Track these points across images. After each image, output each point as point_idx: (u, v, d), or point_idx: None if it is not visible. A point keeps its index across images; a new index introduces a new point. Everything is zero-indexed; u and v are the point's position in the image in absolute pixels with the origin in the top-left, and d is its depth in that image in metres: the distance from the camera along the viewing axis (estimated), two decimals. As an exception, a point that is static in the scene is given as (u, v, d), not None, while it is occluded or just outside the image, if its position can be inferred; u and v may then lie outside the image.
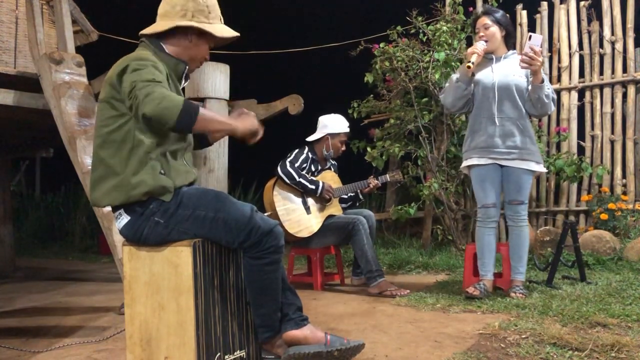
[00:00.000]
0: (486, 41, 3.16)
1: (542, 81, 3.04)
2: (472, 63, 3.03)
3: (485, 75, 3.18)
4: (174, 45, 2.05)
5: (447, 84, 3.31)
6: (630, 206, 4.70)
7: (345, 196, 4.05)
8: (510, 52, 3.24)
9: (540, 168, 3.19)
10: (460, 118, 4.96)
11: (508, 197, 3.19)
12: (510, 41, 3.26)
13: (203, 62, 2.14)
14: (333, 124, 3.92)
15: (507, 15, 3.27)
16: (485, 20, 3.20)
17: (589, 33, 5.16)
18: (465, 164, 3.28)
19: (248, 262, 1.95)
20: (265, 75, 9.93)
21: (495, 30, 3.17)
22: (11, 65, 4.02)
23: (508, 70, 3.13)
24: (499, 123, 3.12)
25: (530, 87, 3.10)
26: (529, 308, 2.77)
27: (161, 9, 2.06)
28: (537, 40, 2.96)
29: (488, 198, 3.18)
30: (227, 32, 2.10)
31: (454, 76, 3.23)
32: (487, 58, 3.23)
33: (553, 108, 3.18)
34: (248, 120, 1.96)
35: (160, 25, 2.04)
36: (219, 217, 1.90)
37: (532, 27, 5.42)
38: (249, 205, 1.96)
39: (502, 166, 3.17)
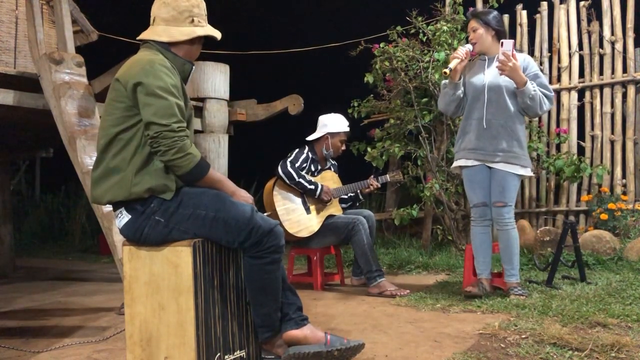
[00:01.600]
0: (474, 44, 3.17)
1: (525, 84, 3.02)
2: (450, 69, 3.05)
3: (477, 77, 3.19)
4: (177, 48, 2.06)
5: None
6: (630, 206, 4.70)
7: (345, 196, 4.05)
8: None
9: (527, 172, 3.18)
10: (460, 118, 4.95)
11: (492, 199, 3.17)
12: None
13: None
14: (333, 123, 3.92)
15: (499, 15, 3.24)
16: (473, 23, 3.20)
17: (589, 33, 5.16)
18: (454, 164, 3.32)
19: (248, 261, 1.95)
20: (265, 75, 9.94)
21: (482, 32, 3.16)
22: (11, 65, 4.02)
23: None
24: (487, 125, 3.12)
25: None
26: (529, 308, 2.77)
27: (165, 13, 2.03)
28: (508, 45, 2.99)
29: (478, 197, 3.20)
30: (218, 33, 2.14)
31: (444, 81, 3.25)
32: (481, 59, 3.24)
33: (546, 107, 3.14)
34: (244, 199, 2.02)
35: (176, 32, 2.02)
36: (219, 216, 1.90)
37: (532, 27, 5.42)
38: (249, 206, 1.96)
39: (490, 167, 3.17)
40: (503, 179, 3.12)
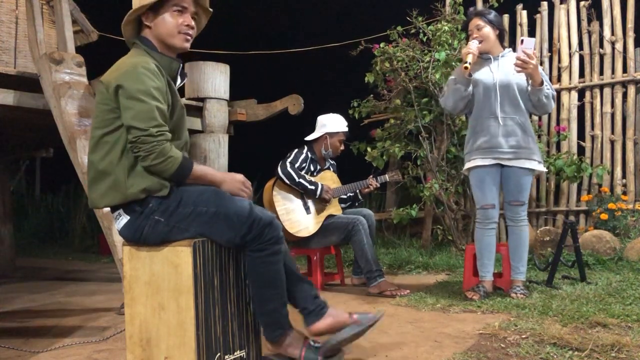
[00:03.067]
0: (480, 41, 3.16)
1: (542, 83, 3.04)
2: (469, 63, 3.02)
3: (485, 76, 3.18)
4: (153, 40, 2.02)
5: (445, 87, 3.31)
6: (630, 206, 4.70)
7: (345, 196, 4.05)
8: (507, 50, 3.24)
9: (542, 167, 3.20)
10: (461, 118, 4.96)
11: (508, 198, 3.18)
12: (503, 40, 3.27)
13: (188, 32, 2.02)
14: (331, 123, 3.92)
15: (498, 14, 3.26)
16: (478, 21, 3.20)
17: (589, 33, 5.16)
18: (468, 165, 3.25)
19: (250, 255, 1.94)
20: (265, 75, 9.94)
21: (488, 30, 3.17)
22: (11, 65, 4.03)
23: (508, 69, 3.11)
24: (502, 123, 3.11)
25: (529, 89, 3.11)
26: (529, 308, 2.77)
27: (133, 3, 2.03)
28: (530, 43, 2.97)
29: (487, 199, 3.18)
30: None
31: (451, 78, 3.23)
32: (484, 58, 3.22)
33: (553, 105, 3.19)
34: (236, 182, 2.03)
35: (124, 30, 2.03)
36: (220, 212, 1.90)
37: (532, 27, 5.42)
38: (246, 201, 1.98)
39: (503, 166, 3.17)
40: (520, 178, 3.13)
